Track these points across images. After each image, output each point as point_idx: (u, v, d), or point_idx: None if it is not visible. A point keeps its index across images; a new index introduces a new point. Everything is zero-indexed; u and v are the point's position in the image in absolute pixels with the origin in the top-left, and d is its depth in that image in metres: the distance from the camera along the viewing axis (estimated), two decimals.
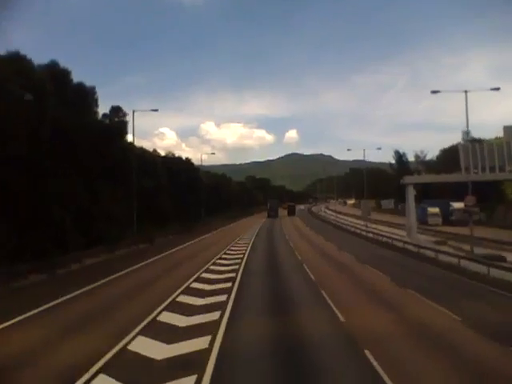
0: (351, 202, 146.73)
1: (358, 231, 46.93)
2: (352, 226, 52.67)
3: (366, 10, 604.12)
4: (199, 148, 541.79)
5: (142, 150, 42.63)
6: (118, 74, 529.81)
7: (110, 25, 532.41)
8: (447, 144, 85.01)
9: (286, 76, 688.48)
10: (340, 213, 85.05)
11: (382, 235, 39.19)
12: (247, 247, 34.19)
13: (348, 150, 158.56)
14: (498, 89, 28.10)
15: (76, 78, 29.09)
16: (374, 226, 51.13)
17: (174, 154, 54.69)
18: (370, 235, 41.90)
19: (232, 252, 31.20)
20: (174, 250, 33.07)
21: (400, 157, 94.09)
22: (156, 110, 37.65)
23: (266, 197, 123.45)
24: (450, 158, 65.51)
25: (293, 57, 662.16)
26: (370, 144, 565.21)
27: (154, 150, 50.79)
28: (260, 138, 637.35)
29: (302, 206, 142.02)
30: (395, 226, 50.78)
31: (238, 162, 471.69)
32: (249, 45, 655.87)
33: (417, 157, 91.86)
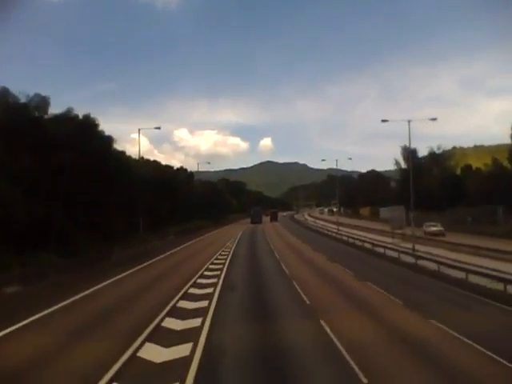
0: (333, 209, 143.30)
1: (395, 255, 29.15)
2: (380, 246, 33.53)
3: (339, 20, 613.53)
4: (172, 155, 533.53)
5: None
6: (88, 81, 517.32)
7: (80, 31, 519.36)
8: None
9: (260, 84, 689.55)
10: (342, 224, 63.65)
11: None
12: None
13: (322, 160, 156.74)
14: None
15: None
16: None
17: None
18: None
19: None
20: None
21: (411, 155, 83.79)
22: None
23: (243, 203, 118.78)
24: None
25: (267, 65, 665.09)
26: (344, 153, 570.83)
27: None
28: (234, 145, 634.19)
29: (284, 213, 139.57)
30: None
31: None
32: (223, 52, 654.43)
33: (432, 154, 78.33)
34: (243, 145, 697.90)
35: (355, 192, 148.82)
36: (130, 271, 25.33)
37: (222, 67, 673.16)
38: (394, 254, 29.15)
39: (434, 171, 77.85)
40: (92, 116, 29.42)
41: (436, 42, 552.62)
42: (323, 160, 69.80)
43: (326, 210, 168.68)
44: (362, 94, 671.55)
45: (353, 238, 42.74)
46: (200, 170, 78.51)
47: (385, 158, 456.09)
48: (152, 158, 56.02)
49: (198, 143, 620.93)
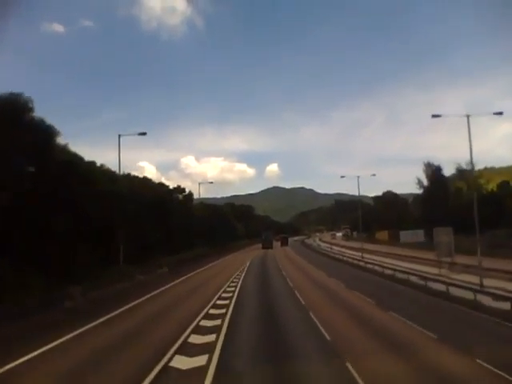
0: (344, 233, 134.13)
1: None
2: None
3: (343, 45, 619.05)
4: (179, 181, 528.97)
5: None
6: (96, 110, 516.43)
7: (88, 61, 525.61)
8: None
9: (265, 111, 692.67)
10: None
11: None
12: None
13: (340, 177, 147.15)
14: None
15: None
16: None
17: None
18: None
19: None
20: None
21: (436, 172, 71.69)
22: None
23: (250, 229, 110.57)
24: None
25: (272, 92, 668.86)
26: (350, 177, 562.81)
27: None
28: (241, 171, 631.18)
29: (295, 238, 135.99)
30: None
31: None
32: (228, 80, 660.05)
33: (460, 171, 69.66)
34: (250, 171, 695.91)
35: (368, 215, 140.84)
36: (89, 326, 17.15)
37: (227, 95, 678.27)
38: (464, 294, 20.75)
39: (464, 190, 69.42)
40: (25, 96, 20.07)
41: (438, 67, 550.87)
42: (341, 177, 60.00)
43: (338, 234, 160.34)
44: (367, 120, 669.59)
45: (388, 268, 34.14)
46: (206, 196, 71.63)
47: (393, 183, 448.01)
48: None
49: (204, 170, 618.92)
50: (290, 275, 35.19)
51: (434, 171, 71.68)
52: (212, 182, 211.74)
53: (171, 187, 50.93)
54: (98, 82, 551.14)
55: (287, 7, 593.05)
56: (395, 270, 32.06)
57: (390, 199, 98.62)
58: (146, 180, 41.78)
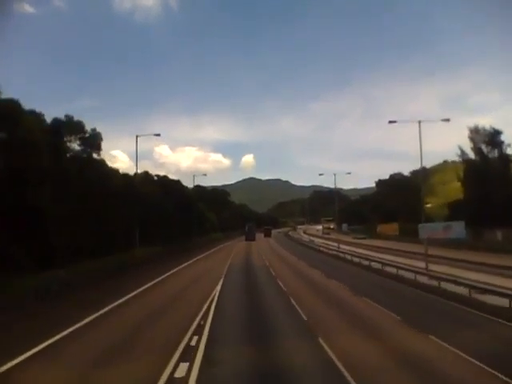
0: (330, 226, 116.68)
1: None
2: None
3: (321, 36, 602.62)
4: (153, 171, 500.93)
5: None
6: (68, 97, 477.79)
7: (56, 44, 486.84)
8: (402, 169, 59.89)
9: (242, 101, 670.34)
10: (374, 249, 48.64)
11: None
12: None
13: (320, 174, 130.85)
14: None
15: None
16: None
17: None
18: None
19: None
20: None
21: (493, 137, 53.16)
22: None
23: (222, 220, 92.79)
24: None
25: (249, 82, 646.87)
26: (327, 170, 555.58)
27: None
28: (216, 161, 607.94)
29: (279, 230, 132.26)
30: None
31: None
32: (205, 69, 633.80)
33: (504, 155, 52.73)
34: (225, 161, 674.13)
35: (357, 206, 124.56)
36: None
37: (203, 84, 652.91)
38: None
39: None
40: None
41: (419, 58, 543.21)
42: (321, 174, 52.06)
43: (318, 227, 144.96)
44: (344, 111, 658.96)
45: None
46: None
47: (369, 176, 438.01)
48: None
49: (178, 160, 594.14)
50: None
51: (489, 136, 52.56)
52: (205, 175, 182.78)
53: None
54: (69, 66, 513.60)
55: None
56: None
57: (399, 183, 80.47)
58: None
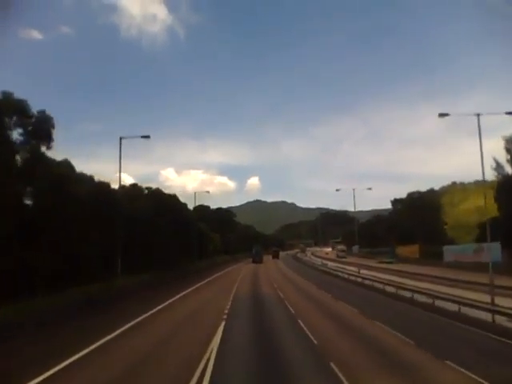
0: (344, 248, 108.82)
1: None
2: None
3: (324, 61, 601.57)
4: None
5: None
6: (75, 121, 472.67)
7: (67, 72, 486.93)
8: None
9: (247, 124, 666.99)
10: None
11: None
12: None
13: (337, 190, 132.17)
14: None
15: None
16: None
17: None
18: None
19: None
20: None
21: None
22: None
23: (229, 242, 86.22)
24: None
25: (254, 105, 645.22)
26: (330, 193, 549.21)
27: None
28: (222, 184, 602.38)
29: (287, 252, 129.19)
30: None
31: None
32: (209, 93, 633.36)
33: None
34: (231, 184, 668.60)
35: (369, 227, 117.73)
36: None
37: (208, 108, 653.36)
38: None
39: None
40: None
41: (415, 84, 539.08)
42: (338, 190, 41.14)
43: (328, 249, 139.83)
44: (347, 135, 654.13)
45: None
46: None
47: (373, 198, 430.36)
48: None
49: (184, 183, 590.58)
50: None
51: None
52: (209, 192, 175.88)
53: None
54: (74, 91, 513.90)
55: (272, 20, 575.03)
56: None
57: (420, 202, 72.37)
58: None
